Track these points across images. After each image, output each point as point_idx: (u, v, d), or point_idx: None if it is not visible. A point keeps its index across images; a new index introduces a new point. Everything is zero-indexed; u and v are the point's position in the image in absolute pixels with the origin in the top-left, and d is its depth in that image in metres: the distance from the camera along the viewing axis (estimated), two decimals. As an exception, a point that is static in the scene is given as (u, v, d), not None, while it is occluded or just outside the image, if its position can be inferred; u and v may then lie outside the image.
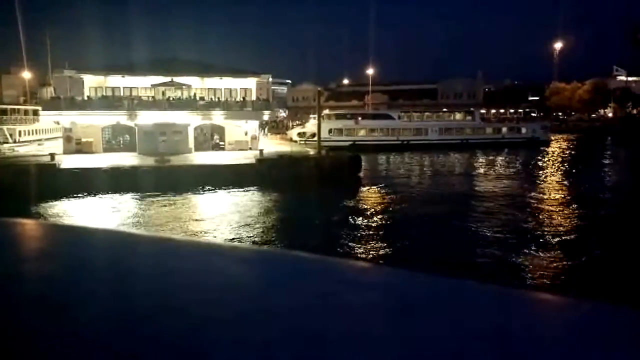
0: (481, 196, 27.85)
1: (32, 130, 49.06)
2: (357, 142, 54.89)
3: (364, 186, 30.99)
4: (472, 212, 23.23)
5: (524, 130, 65.33)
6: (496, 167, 43.06)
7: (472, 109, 70.13)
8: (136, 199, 26.33)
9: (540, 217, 22.19)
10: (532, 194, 28.43)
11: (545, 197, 27.66)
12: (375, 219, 22.03)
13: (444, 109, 71.73)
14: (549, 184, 33.22)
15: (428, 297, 0.94)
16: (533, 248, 16.92)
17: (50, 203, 25.03)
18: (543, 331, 0.78)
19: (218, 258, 1.17)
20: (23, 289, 0.99)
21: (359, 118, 61.19)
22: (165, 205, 25.04)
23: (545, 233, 19.13)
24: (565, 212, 23.33)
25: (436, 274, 0.98)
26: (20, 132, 47.34)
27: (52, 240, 1.42)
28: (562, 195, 28.19)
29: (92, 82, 40.88)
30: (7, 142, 44.67)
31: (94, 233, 1.48)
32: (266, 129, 68.77)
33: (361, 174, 33.58)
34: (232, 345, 0.73)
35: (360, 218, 22.07)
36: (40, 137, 48.40)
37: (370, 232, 19.63)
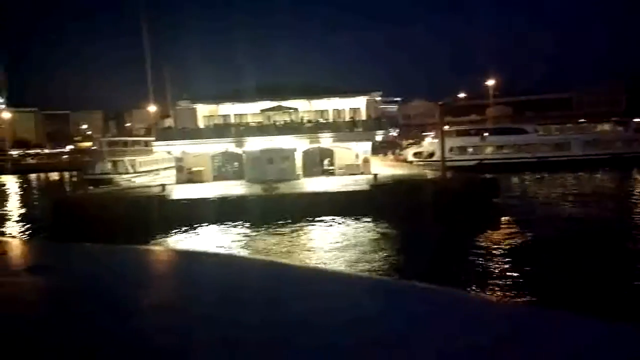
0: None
1: (151, 161, 50.97)
2: (483, 162, 48.56)
3: (504, 217, 25.40)
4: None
5: None
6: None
7: (616, 118, 59.45)
8: (244, 230, 24.54)
9: None
10: None
11: None
12: (525, 266, 16.92)
13: (582, 120, 62.05)
14: None
15: (435, 309, 1.07)
16: None
17: (159, 236, 23.91)
18: (539, 344, 0.91)
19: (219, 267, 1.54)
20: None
21: (485, 134, 54.07)
22: (272, 238, 22.67)
23: None
24: None
25: (444, 286, 0.97)
26: (140, 162, 49.36)
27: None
28: None
29: (204, 111, 41.06)
30: (128, 173, 46.64)
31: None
32: (407, 148, 63.04)
33: (498, 201, 28.02)
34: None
35: (504, 263, 17.17)
36: (158, 167, 50.07)
37: (519, 287, 14.71)
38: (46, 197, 39.50)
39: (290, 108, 39.40)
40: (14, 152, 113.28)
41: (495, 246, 19.26)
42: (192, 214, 26.29)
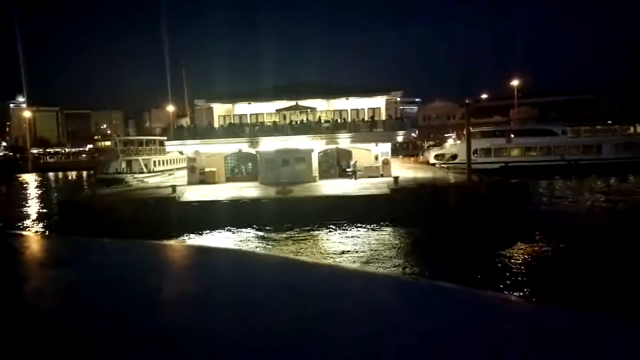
0: None
1: (166, 161, 50.15)
2: (509, 164, 46.28)
3: (537, 225, 23.27)
4: None
5: None
6: None
7: None
8: (256, 234, 23.23)
9: None
10: None
11: None
12: (564, 281, 15.06)
13: (610, 122, 59.26)
14: None
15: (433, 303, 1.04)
16: None
17: (166, 239, 22.61)
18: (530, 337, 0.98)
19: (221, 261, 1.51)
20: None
21: (511, 135, 51.35)
22: (285, 244, 21.27)
23: None
24: None
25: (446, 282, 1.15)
26: (154, 162, 48.56)
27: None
28: None
29: (220, 111, 40.05)
30: (142, 172, 45.81)
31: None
32: (429, 150, 61.08)
33: (528, 208, 25.93)
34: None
35: (539, 279, 15.33)
36: (172, 167, 49.19)
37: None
38: (58, 196, 38.86)
39: (307, 107, 38.00)
40: (34, 151, 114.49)
41: (526, 262, 17.33)
42: (201, 218, 25.01)
